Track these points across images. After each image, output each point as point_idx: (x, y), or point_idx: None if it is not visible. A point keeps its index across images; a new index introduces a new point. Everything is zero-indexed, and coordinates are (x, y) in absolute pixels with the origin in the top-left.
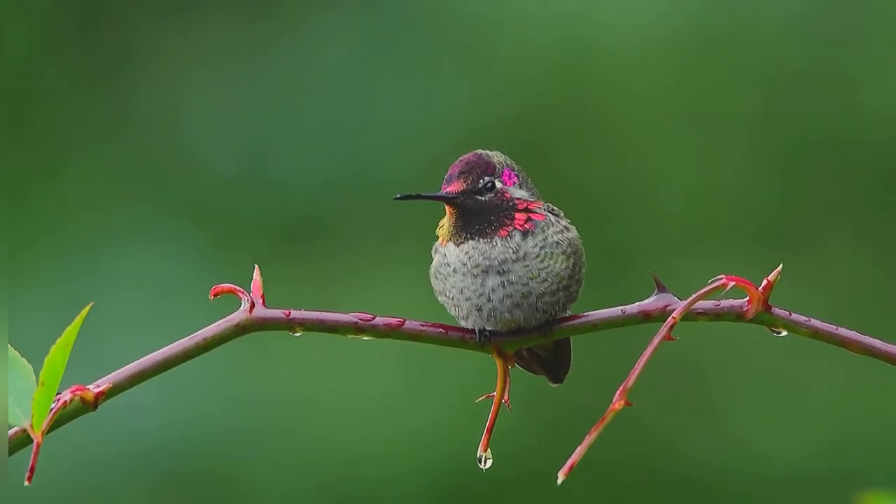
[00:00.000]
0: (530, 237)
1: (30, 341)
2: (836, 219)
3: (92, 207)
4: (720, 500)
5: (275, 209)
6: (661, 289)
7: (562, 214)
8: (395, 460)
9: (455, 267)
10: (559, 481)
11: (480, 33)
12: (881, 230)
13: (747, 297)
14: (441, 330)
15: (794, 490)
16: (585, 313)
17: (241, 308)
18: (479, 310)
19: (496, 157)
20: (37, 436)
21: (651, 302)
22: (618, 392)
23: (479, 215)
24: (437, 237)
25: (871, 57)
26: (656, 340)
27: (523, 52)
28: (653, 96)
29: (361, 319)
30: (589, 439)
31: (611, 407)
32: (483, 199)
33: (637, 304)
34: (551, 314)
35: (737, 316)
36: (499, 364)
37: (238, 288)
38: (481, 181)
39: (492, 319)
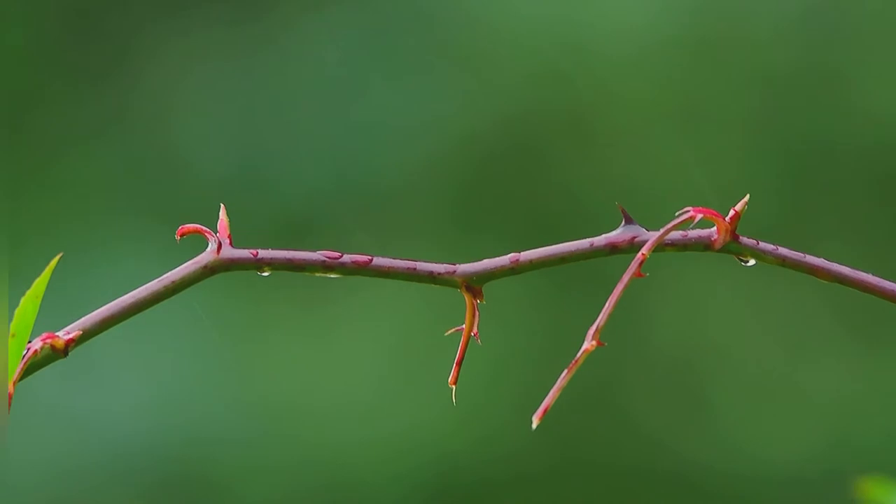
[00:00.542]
0: None
1: None
2: (834, 221)
3: (83, 209)
4: (717, 501)
5: (268, 212)
6: (629, 220)
7: None
8: (386, 463)
9: None
10: (534, 426)
11: (475, 36)
12: (879, 232)
13: (715, 228)
14: (410, 265)
15: (791, 492)
16: (553, 246)
17: (209, 249)
18: None
19: None
20: (9, 386)
21: (618, 234)
22: (589, 333)
23: None
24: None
25: (868, 59)
26: (626, 277)
27: (517, 56)
28: (647, 99)
29: (329, 258)
30: (562, 382)
31: (583, 348)
32: None
33: (604, 235)
34: None
35: (705, 246)
36: (467, 298)
37: (205, 228)
38: None
39: None
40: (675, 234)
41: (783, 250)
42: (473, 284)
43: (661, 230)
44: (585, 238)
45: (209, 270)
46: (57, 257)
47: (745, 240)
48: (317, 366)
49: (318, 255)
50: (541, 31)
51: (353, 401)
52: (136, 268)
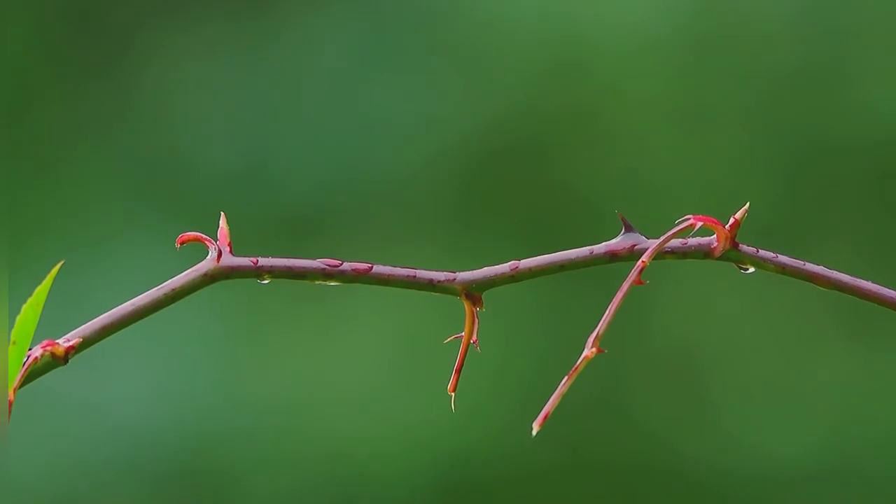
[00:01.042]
0: None
1: None
2: (836, 219)
3: (86, 205)
4: (718, 499)
5: (270, 208)
6: (629, 228)
7: None
8: (391, 458)
9: None
10: (534, 432)
11: (477, 34)
12: (881, 230)
13: (715, 236)
14: (410, 273)
15: (792, 490)
16: (552, 254)
17: (209, 257)
18: None
19: None
20: (10, 393)
21: (618, 242)
22: (590, 339)
23: None
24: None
25: (869, 56)
26: (626, 285)
27: (519, 53)
28: (649, 96)
29: (329, 265)
30: (562, 389)
31: (583, 355)
32: None
33: (604, 243)
34: None
35: (705, 254)
36: (467, 306)
37: (205, 236)
38: None
39: None
40: (675, 242)
41: (783, 258)
42: (473, 292)
43: (661, 238)
44: (587, 237)
45: (209, 278)
46: (58, 265)
47: (744, 248)
48: (322, 360)
49: (317, 263)
50: (542, 28)
51: (357, 395)
52: (138, 264)
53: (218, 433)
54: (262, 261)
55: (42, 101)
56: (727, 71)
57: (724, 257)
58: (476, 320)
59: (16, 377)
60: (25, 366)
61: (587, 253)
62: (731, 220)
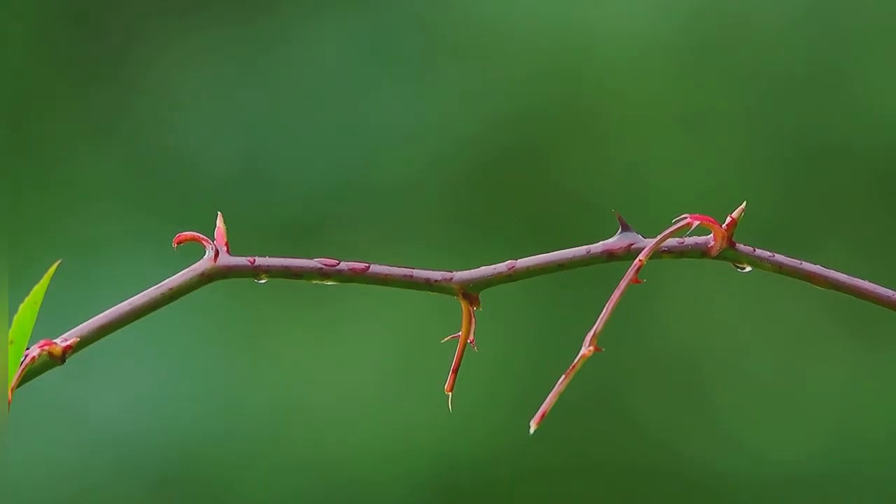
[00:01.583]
0: None
1: None
2: (836, 220)
3: (84, 209)
4: (718, 501)
5: (271, 212)
6: (626, 228)
7: None
8: (387, 462)
9: None
10: (531, 431)
11: (477, 37)
12: (880, 232)
13: (712, 235)
14: (407, 273)
15: (794, 491)
16: (550, 253)
17: (206, 256)
18: None
19: None
20: (7, 393)
21: (615, 241)
22: (587, 338)
23: None
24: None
25: (870, 58)
26: (623, 283)
27: (520, 56)
28: (649, 98)
29: (326, 265)
30: (559, 387)
31: (581, 353)
32: None
33: (601, 242)
34: None
35: (702, 253)
36: (464, 306)
37: (202, 236)
38: None
39: None
40: (672, 241)
41: (779, 257)
42: (470, 291)
43: (658, 237)
44: (587, 240)
45: (206, 278)
46: (55, 265)
47: (741, 247)
48: (318, 364)
49: (314, 263)
50: (543, 31)
51: (355, 399)
52: (137, 267)
53: (216, 438)
54: (259, 260)
55: (42, 105)
56: (727, 73)
57: (720, 256)
58: (473, 320)
59: (13, 376)
60: (23, 365)
61: (584, 252)
62: (728, 220)
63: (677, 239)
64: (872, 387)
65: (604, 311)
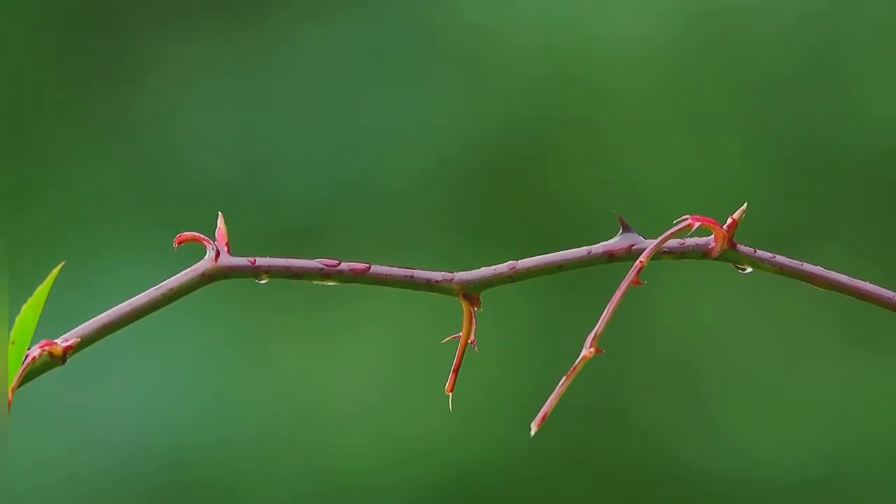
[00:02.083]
0: None
1: None
2: (836, 225)
3: (84, 214)
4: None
5: (269, 218)
6: (626, 229)
7: None
8: (391, 468)
9: None
10: (532, 433)
11: (476, 43)
12: (880, 235)
13: (712, 236)
14: (408, 273)
15: (792, 495)
16: (550, 254)
17: (207, 257)
18: None
19: None
20: (8, 393)
21: (616, 242)
22: (588, 339)
23: None
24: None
25: (869, 63)
26: (624, 285)
27: (518, 62)
28: (648, 104)
29: (326, 265)
30: (560, 389)
31: (581, 355)
32: None
33: (602, 243)
34: None
35: (702, 254)
36: (464, 306)
37: (202, 236)
38: None
39: None
40: (673, 242)
41: (780, 258)
42: (471, 292)
43: (659, 238)
44: (587, 244)
45: (207, 278)
46: (58, 266)
47: (742, 248)
48: (321, 370)
49: (315, 263)
50: (542, 38)
51: (358, 405)
52: (137, 273)
53: (216, 444)
54: (260, 260)
55: (41, 110)
56: (725, 79)
57: (721, 257)
58: (474, 320)
59: (14, 376)
60: (24, 365)
61: (585, 253)
62: (729, 221)
63: (678, 240)
64: (873, 390)
65: (604, 312)
